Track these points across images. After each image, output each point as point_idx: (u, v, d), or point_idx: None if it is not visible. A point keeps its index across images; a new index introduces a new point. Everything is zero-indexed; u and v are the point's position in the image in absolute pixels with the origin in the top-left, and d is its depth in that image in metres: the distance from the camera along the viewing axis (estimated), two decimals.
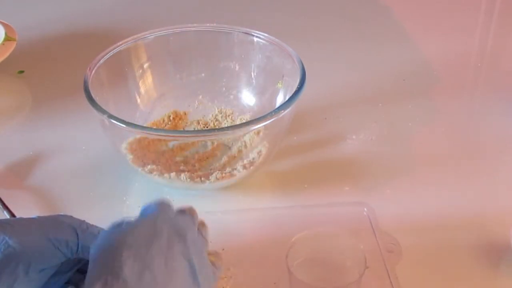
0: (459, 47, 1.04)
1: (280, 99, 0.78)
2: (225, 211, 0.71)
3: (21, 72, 0.98)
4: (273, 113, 0.67)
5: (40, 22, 1.12)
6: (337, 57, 1.02)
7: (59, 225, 0.53)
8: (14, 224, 0.52)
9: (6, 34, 0.97)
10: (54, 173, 0.77)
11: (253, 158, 0.73)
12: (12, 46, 0.95)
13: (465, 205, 0.72)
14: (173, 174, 0.70)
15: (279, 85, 0.78)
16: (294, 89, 0.70)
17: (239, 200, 0.73)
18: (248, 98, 0.83)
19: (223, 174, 0.71)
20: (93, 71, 0.73)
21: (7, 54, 0.94)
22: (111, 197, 0.73)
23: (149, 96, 0.82)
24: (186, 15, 1.13)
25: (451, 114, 0.88)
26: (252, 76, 0.82)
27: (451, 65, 0.99)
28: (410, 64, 1.00)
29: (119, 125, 0.66)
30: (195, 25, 0.83)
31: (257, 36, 0.80)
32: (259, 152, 0.73)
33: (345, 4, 1.19)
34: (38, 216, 0.54)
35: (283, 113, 0.68)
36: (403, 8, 1.18)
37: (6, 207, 0.69)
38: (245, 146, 0.75)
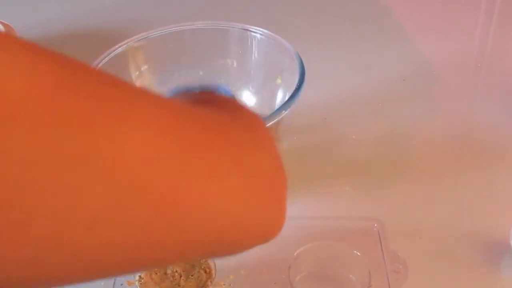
0: (459, 47, 1.04)
1: (279, 96, 0.77)
2: None
3: None
4: (273, 114, 0.67)
5: (40, 22, 1.12)
6: (337, 57, 1.02)
7: None
8: None
9: None
10: None
11: None
12: None
13: (465, 205, 0.72)
14: None
15: (279, 80, 0.78)
16: (294, 85, 0.70)
17: None
18: (247, 96, 0.83)
19: None
20: None
21: None
22: None
23: None
24: (186, 15, 1.13)
25: (451, 114, 0.88)
26: (251, 73, 0.82)
27: (451, 65, 0.99)
28: (410, 64, 0.99)
29: None
30: (192, 23, 0.82)
31: (254, 32, 0.80)
32: None
33: (345, 4, 1.19)
34: None
35: (283, 113, 0.68)
36: (403, 8, 1.18)
37: None
38: None
